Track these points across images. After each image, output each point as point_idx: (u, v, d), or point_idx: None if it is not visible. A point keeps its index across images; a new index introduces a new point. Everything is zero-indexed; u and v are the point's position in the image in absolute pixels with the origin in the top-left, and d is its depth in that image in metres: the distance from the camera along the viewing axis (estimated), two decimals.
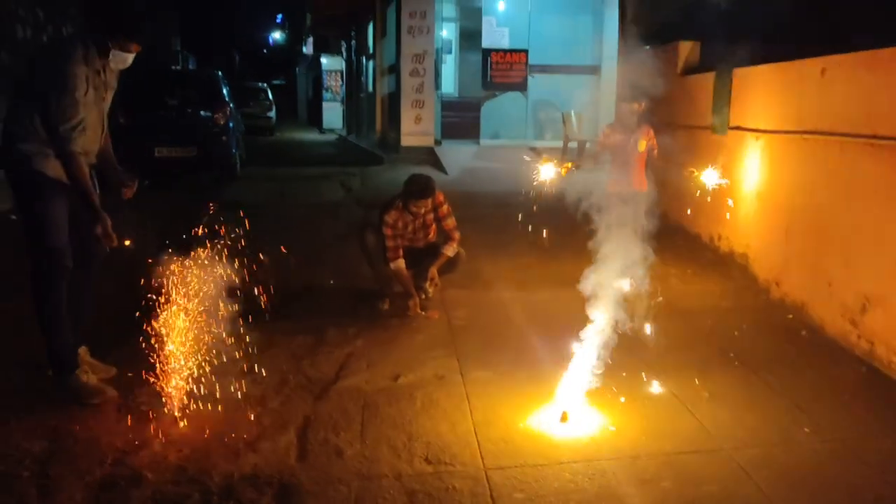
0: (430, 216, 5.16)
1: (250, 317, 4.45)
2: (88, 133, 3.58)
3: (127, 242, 3.87)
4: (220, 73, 12.84)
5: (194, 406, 3.56)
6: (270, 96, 25.83)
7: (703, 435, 3.34)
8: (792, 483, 2.94)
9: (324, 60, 28.37)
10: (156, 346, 3.80)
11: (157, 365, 3.74)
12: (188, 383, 3.67)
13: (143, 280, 3.99)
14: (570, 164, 5.33)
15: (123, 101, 10.37)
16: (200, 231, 5.18)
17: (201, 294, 4.12)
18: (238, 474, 3.00)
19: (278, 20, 41.43)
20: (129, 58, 3.63)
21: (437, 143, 13.91)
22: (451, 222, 5.17)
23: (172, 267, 4.02)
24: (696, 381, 3.87)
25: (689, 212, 6.75)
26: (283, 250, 5.63)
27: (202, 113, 10.91)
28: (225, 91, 11.77)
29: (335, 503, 2.84)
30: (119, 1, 3.64)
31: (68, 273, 3.61)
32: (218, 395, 3.68)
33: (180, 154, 10.49)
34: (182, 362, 3.73)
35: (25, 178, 3.51)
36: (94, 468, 3.04)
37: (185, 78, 14.85)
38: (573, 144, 12.39)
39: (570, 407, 3.47)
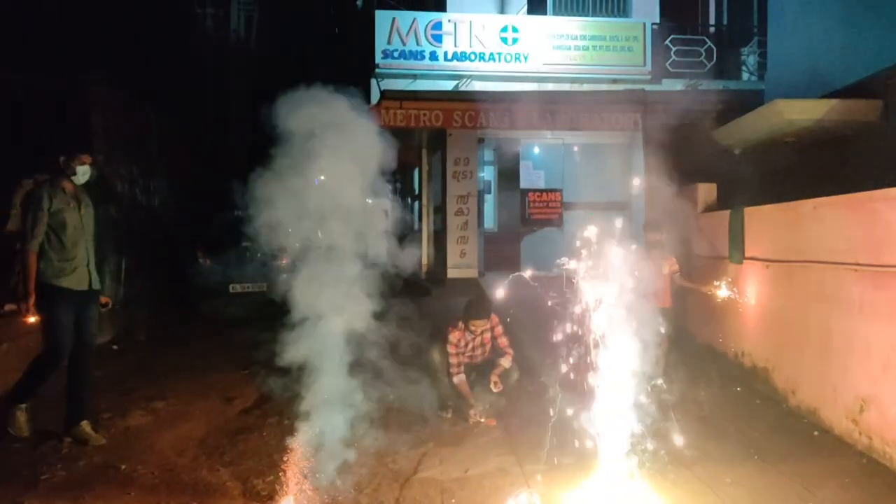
0: (488, 335, 6.09)
1: (334, 428, 5.41)
2: (73, 242, 5.21)
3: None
4: None
5: (306, 488, 4.41)
6: (320, 234, 27.57)
7: None
8: None
9: (370, 201, 30.28)
10: (268, 447, 4.76)
11: (274, 462, 4.68)
12: (295, 475, 4.57)
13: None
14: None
15: (206, 244, 11.72)
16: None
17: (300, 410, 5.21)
18: None
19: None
20: (87, 168, 5.32)
21: (481, 274, 14.93)
22: (505, 340, 6.10)
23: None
24: (720, 470, 4.61)
25: (714, 333, 7.56)
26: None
27: (272, 253, 12.20)
28: (290, 231, 13.13)
29: None
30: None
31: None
32: (322, 483, 4.52)
33: (251, 289, 11.71)
34: (292, 460, 4.68)
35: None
36: None
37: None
38: None
39: (616, 491, 4.22)
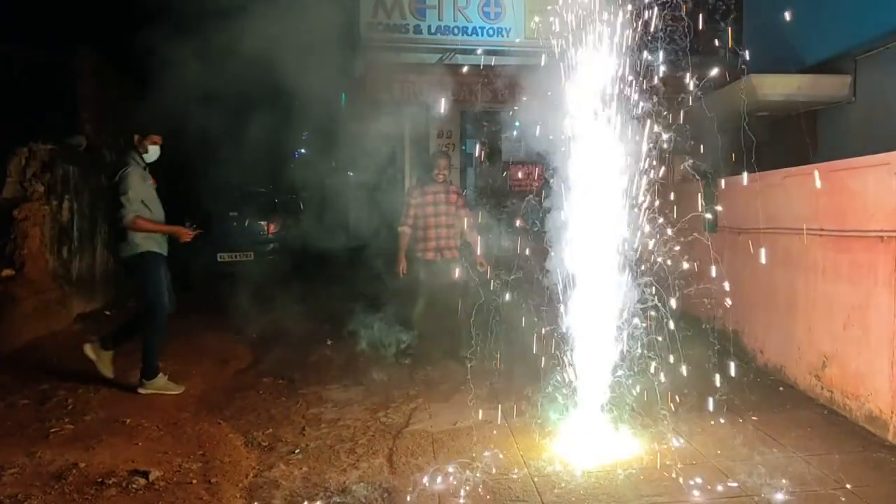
0: (454, 196, 6.98)
1: (326, 388, 5.74)
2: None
3: None
4: (271, 187, 14.38)
5: (303, 443, 4.68)
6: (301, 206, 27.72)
7: (695, 454, 4.40)
8: (761, 476, 3.99)
9: (350, 174, 30.36)
10: (265, 403, 5.02)
11: (272, 416, 4.95)
12: (293, 429, 4.86)
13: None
14: None
15: (193, 213, 11.82)
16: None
17: (292, 371, 5.46)
18: (349, 481, 4.08)
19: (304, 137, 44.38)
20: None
21: (465, 241, 15.22)
22: (467, 211, 7.12)
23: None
24: (692, 421, 4.95)
25: (688, 299, 7.89)
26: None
27: (258, 223, 12.38)
28: (276, 202, 13.33)
29: (424, 500, 3.89)
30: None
31: None
32: (317, 437, 4.80)
33: (239, 258, 11.89)
34: (289, 415, 4.97)
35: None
36: (241, 478, 4.14)
37: (243, 193, 16.45)
38: None
39: (596, 439, 4.54)
